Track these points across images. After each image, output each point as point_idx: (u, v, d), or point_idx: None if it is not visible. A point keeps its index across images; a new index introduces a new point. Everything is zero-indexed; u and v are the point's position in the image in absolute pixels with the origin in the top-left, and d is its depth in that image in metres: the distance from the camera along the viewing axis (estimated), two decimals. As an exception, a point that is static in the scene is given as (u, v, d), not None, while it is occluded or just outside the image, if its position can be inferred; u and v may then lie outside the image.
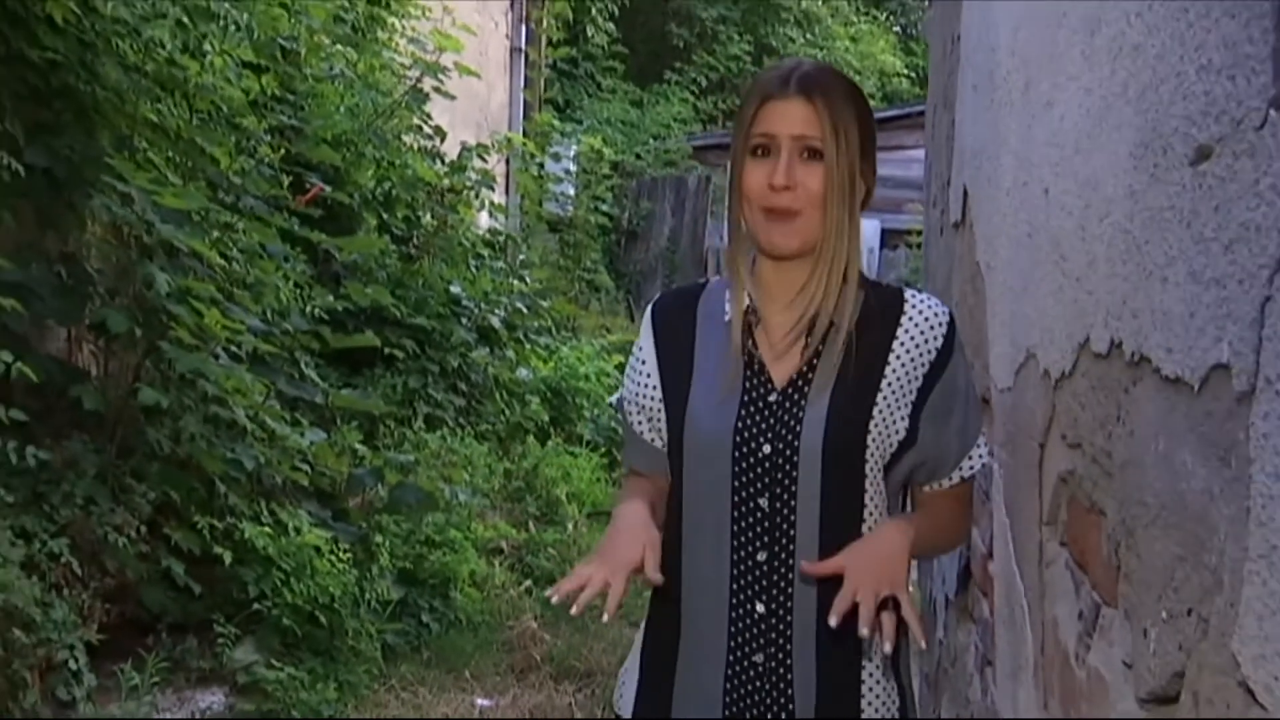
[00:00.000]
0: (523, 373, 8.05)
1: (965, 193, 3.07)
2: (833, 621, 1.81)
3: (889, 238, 15.81)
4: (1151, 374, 1.31)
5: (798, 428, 2.01)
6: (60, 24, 4.72)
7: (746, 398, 2.06)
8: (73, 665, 3.99)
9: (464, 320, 7.46)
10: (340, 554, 5.06)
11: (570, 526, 6.92)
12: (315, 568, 4.93)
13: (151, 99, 5.14)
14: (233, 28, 5.28)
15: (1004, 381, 2.34)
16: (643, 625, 2.23)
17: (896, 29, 25.38)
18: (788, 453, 2.01)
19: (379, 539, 5.39)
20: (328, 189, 6.30)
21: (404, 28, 8.35)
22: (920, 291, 2.14)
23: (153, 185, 4.80)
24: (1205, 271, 1.15)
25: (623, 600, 1.88)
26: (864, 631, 1.78)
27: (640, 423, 2.21)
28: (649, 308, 2.29)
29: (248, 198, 5.41)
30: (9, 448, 4.14)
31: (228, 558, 4.79)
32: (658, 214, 15.61)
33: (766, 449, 2.02)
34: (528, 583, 6.13)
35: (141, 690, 4.20)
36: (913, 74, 23.48)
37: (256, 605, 4.80)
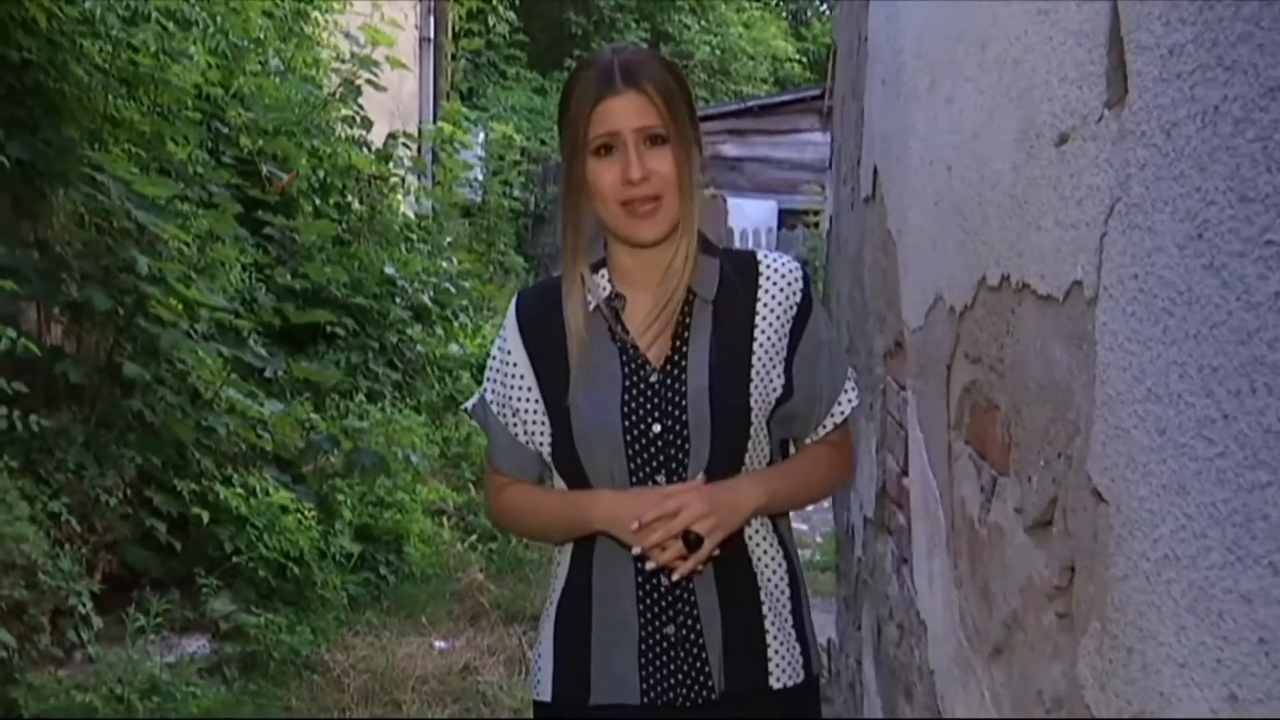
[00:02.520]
0: (453, 349, 8.52)
1: (876, 172, 3.60)
2: (636, 525, 2.02)
3: (786, 218, 16.37)
4: (1031, 295, 1.84)
5: (683, 403, 2.09)
6: (33, 26, 5.10)
7: (628, 381, 2.12)
8: (81, 610, 4.40)
9: (398, 299, 7.90)
10: (305, 513, 5.51)
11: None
12: (284, 525, 5.37)
13: (115, 95, 5.52)
14: (209, 29, 5.69)
15: (916, 323, 2.86)
16: (552, 611, 2.27)
17: (787, 15, 26.03)
18: (677, 428, 2.09)
19: (340, 497, 5.84)
20: (283, 177, 6.72)
21: (326, 22, 8.76)
22: (770, 251, 2.27)
23: (128, 175, 5.20)
24: (1066, 219, 1.67)
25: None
26: (632, 536, 2.03)
27: (514, 425, 2.23)
28: (512, 308, 2.27)
29: (211, 185, 5.81)
30: (14, 417, 4.52)
31: (205, 517, 5.21)
32: (564, 198, 16.12)
33: (657, 428, 2.09)
34: (472, 538, 6.61)
35: (148, 631, 4.62)
36: (804, 59, 24.20)
37: (234, 559, 5.23)
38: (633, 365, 2.13)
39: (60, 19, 5.21)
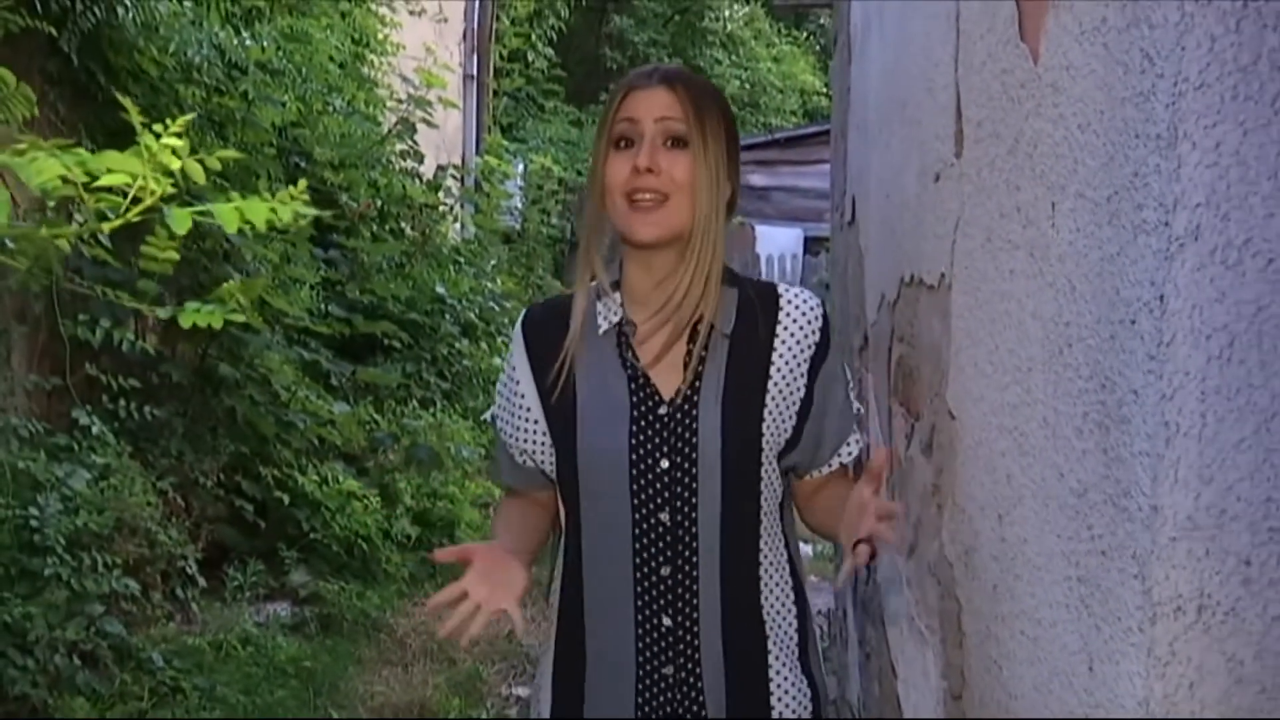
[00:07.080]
0: (496, 362, 9.30)
1: (854, 200, 4.37)
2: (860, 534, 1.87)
3: (810, 244, 17.09)
4: (924, 287, 2.60)
5: (694, 440, 2.02)
6: (141, 74, 5.94)
7: (635, 412, 2.04)
8: (188, 572, 5.21)
9: (448, 316, 8.69)
10: (371, 499, 6.31)
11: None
12: (352, 509, 6.17)
13: (208, 134, 6.35)
14: (295, 78, 6.55)
15: (872, 319, 3.62)
16: (549, 644, 2.20)
17: (816, 49, 26.76)
18: (686, 465, 2.02)
19: (401, 485, 6.64)
20: (355, 205, 7.56)
21: (381, 64, 9.61)
22: (791, 286, 2.22)
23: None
24: (940, 232, 2.44)
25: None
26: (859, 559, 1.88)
27: (513, 443, 2.16)
28: (519, 325, 2.19)
29: (290, 212, 6.62)
30: (131, 408, 5.34)
31: (285, 500, 6.02)
32: (598, 226, 16.91)
33: (665, 464, 2.02)
34: (515, 528, 7.36)
35: (245, 589, 5.43)
36: (830, 92, 24.87)
37: (310, 537, 6.03)
38: (641, 395, 2.06)
39: (160, 69, 6.03)
